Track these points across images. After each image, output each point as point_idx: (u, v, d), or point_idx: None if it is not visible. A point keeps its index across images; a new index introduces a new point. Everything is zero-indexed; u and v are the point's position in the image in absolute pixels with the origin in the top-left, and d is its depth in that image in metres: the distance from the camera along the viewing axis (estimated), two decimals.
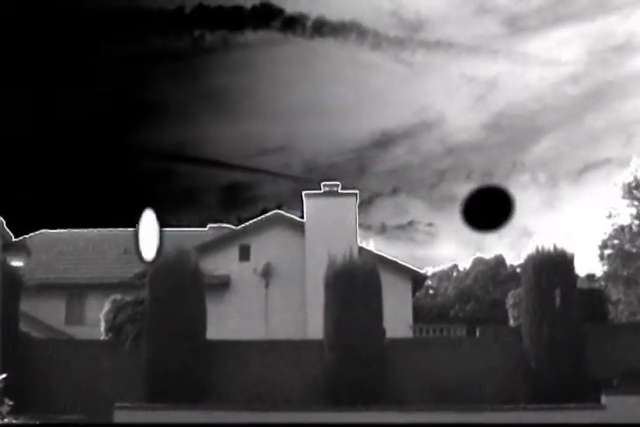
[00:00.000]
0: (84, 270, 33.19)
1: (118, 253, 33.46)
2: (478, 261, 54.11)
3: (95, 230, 37.13)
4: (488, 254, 54.68)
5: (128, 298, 20.66)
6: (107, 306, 20.72)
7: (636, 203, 46.59)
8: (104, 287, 29.02)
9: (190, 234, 33.30)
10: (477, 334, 21.55)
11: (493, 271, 51.51)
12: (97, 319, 21.31)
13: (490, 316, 40.85)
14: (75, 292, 31.95)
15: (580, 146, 65.67)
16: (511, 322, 21.71)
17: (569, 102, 58.22)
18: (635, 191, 46.52)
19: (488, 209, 6.68)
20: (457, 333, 30.16)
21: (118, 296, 20.98)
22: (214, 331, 19.83)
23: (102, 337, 20.56)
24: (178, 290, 18.82)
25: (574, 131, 60.43)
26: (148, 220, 6.72)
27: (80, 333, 25.87)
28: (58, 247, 35.16)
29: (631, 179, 46.59)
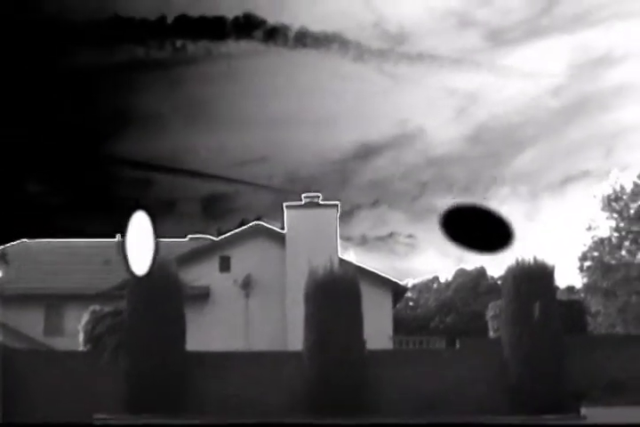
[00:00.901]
0: (63, 281, 32.96)
1: (98, 263, 33.26)
2: (460, 273, 54.18)
3: (75, 241, 36.92)
4: (470, 266, 54.79)
5: (107, 309, 20.54)
6: (86, 317, 20.60)
7: (615, 215, 46.87)
8: (83, 298, 28.78)
9: (170, 244, 33.13)
10: (458, 345, 21.56)
11: (474, 283, 51.59)
12: (76, 330, 21.17)
13: (470, 328, 40.86)
14: (54, 302, 31.72)
15: (560, 158, 66.02)
16: (491, 334, 21.76)
17: (550, 115, 58.59)
18: (614, 204, 46.78)
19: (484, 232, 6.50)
20: (437, 344, 30.13)
21: (97, 307, 20.86)
22: (194, 342, 19.72)
23: (81, 348, 20.42)
24: (157, 301, 18.74)
25: (555, 143, 60.80)
26: (139, 224, 6.03)
27: (59, 344, 25.68)
28: (37, 257, 34.93)
29: (611, 191, 46.88)
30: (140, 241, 6.10)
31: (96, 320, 20.20)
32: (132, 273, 6.14)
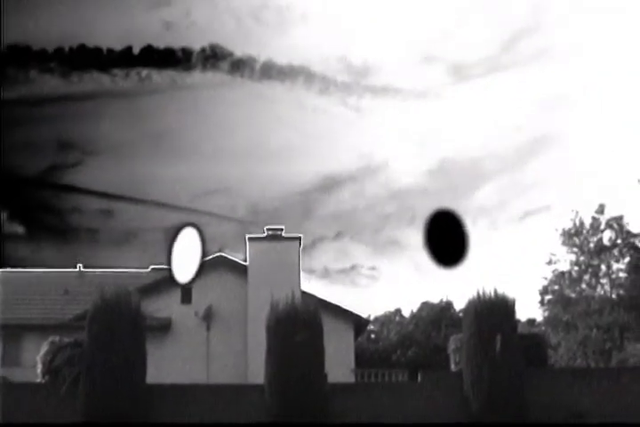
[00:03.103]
0: (22, 311, 32.54)
1: (58, 293, 32.93)
2: (425, 306, 54.24)
3: (34, 271, 36.53)
4: (435, 299, 54.86)
5: (67, 340, 20.29)
6: (44, 348, 20.32)
7: (575, 249, 47.36)
8: (42, 329, 28.47)
9: (132, 275, 32.92)
10: (419, 378, 21.55)
11: (438, 316, 51.65)
12: (34, 361, 20.87)
13: (432, 361, 40.86)
14: (11, 332, 31.28)
15: (521, 193, 66.65)
16: (453, 367, 21.76)
17: (512, 150, 59.23)
18: (574, 238, 47.31)
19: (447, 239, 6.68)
20: (399, 377, 30.10)
21: (57, 338, 20.59)
22: (154, 374, 19.54)
23: (39, 380, 20.13)
24: (117, 332, 18.57)
25: (516, 177, 61.40)
26: (190, 237, 6.50)
27: (16, 375, 25.28)
28: None
29: (571, 226, 47.40)
30: (186, 253, 6.50)
31: (55, 351, 19.93)
32: (176, 282, 6.60)
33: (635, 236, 46.77)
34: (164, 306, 29.89)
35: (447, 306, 52.88)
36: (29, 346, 27.68)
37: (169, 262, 6.56)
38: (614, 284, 46.87)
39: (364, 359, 38.52)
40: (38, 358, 20.32)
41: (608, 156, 56.44)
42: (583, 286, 47.40)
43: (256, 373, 20.82)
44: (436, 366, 33.36)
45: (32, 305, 33.16)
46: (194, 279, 6.70)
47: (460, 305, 52.34)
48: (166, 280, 31.69)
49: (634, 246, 46.56)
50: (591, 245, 46.94)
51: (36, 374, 20.25)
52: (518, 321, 23.38)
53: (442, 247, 6.54)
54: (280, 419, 18.11)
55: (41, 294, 34.06)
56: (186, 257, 6.62)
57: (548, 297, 48.25)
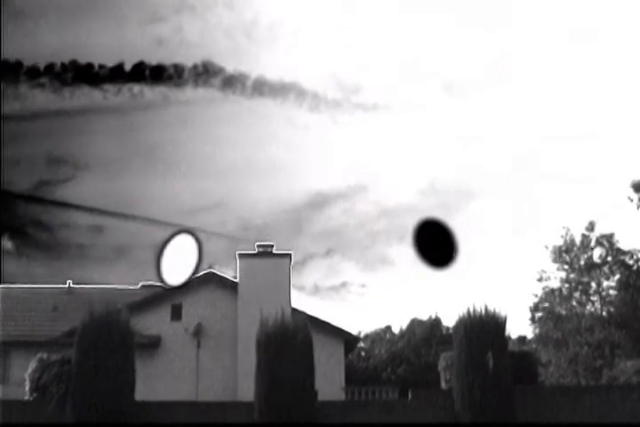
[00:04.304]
0: (10, 328, 32.36)
1: (46, 310, 32.77)
2: (414, 323, 54.18)
3: (22, 287, 36.36)
4: (424, 315, 54.82)
5: (55, 357, 20.17)
6: (32, 365, 20.19)
7: (565, 266, 47.45)
8: (30, 346, 28.29)
9: (121, 292, 32.80)
10: (410, 396, 21.47)
11: (428, 333, 51.58)
12: (22, 378, 20.72)
13: (422, 378, 40.79)
14: (0, 349, 31.10)
15: (511, 210, 66.83)
16: (443, 385, 21.70)
17: (501, 168, 59.40)
18: (565, 255, 47.41)
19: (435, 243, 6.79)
20: (389, 395, 30.00)
21: (45, 355, 20.46)
22: (143, 391, 19.43)
23: (27, 397, 19.99)
24: (106, 349, 18.46)
25: (506, 195, 61.58)
26: (185, 243, 6.43)
27: (4, 392, 25.13)
28: None
29: (561, 243, 47.52)
30: (179, 258, 6.46)
31: (43, 368, 19.80)
32: (164, 283, 6.59)
33: (625, 253, 46.90)
34: (154, 323, 29.78)
35: (436, 323, 52.85)
36: (18, 363, 27.52)
37: (158, 265, 6.50)
38: (604, 301, 46.95)
39: (354, 377, 38.43)
40: (26, 376, 20.19)
41: (599, 173, 56.62)
42: (573, 303, 47.47)
43: (246, 390, 20.71)
44: (427, 384, 33.27)
45: (21, 322, 32.98)
46: (185, 285, 6.67)
47: (448, 322, 52.35)
48: (156, 297, 31.66)
49: (624, 264, 46.67)
50: (581, 262, 47.05)
51: (24, 391, 20.11)
52: (509, 338, 23.37)
53: (431, 248, 6.64)
54: None
55: (30, 311, 33.89)
56: (179, 262, 6.58)
57: (538, 314, 48.28)
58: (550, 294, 47.66)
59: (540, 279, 47.89)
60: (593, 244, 47.11)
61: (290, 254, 31.34)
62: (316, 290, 66.00)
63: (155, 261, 6.60)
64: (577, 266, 47.07)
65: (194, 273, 6.67)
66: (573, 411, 19.20)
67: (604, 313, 46.50)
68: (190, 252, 6.65)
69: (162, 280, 6.68)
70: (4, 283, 36.44)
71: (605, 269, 47.00)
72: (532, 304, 48.21)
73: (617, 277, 46.76)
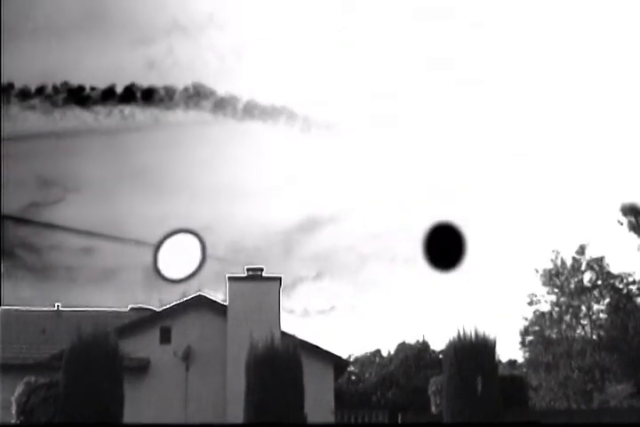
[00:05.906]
0: None
1: (34, 333, 32.57)
2: (402, 347, 54.07)
3: (9, 309, 36.14)
4: (412, 339, 54.74)
5: (42, 380, 20.03)
6: (19, 388, 20.04)
7: (556, 290, 47.50)
8: (18, 368, 28.09)
9: (110, 314, 32.65)
10: (400, 420, 21.38)
11: (416, 357, 51.47)
12: (9, 402, 20.56)
13: (412, 402, 40.66)
14: None
15: (503, 231, 66.98)
16: (433, 409, 21.61)
17: (493, 188, 59.56)
18: (555, 278, 47.47)
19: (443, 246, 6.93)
20: (379, 419, 29.87)
21: (32, 378, 20.32)
22: (132, 415, 19.29)
23: (14, 421, 19.82)
24: (94, 373, 18.35)
25: (496, 215, 61.76)
26: (186, 242, 6.38)
27: None
28: None
29: (552, 266, 47.59)
30: (179, 255, 6.40)
31: (30, 392, 19.66)
32: (162, 278, 6.51)
33: (615, 277, 47.01)
34: (143, 346, 29.62)
35: (424, 347, 52.76)
36: (4, 386, 27.29)
37: (155, 257, 6.42)
38: (595, 325, 46.97)
39: (343, 400, 38.30)
40: (13, 399, 20.03)
41: (589, 195, 56.77)
42: (564, 326, 47.48)
43: (235, 413, 20.58)
44: (417, 408, 33.15)
45: (8, 344, 32.72)
46: (187, 279, 6.55)
47: (437, 346, 52.30)
48: (145, 320, 31.52)
49: (614, 287, 46.76)
50: (572, 285, 47.11)
51: (11, 414, 19.95)
52: (499, 362, 23.32)
53: (441, 251, 6.75)
54: None
55: (17, 333, 33.68)
56: (179, 258, 6.51)
57: (529, 338, 48.28)
58: (541, 317, 47.68)
59: (530, 303, 47.95)
60: (583, 267, 47.21)
61: (280, 278, 31.29)
62: (306, 313, 65.83)
63: (152, 254, 6.53)
64: (567, 289, 47.13)
65: (196, 271, 6.58)
66: None
67: (595, 337, 46.52)
68: (192, 250, 6.60)
69: (160, 275, 6.60)
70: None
71: (596, 292, 47.08)
72: (522, 328, 48.24)
73: (607, 300, 46.83)
